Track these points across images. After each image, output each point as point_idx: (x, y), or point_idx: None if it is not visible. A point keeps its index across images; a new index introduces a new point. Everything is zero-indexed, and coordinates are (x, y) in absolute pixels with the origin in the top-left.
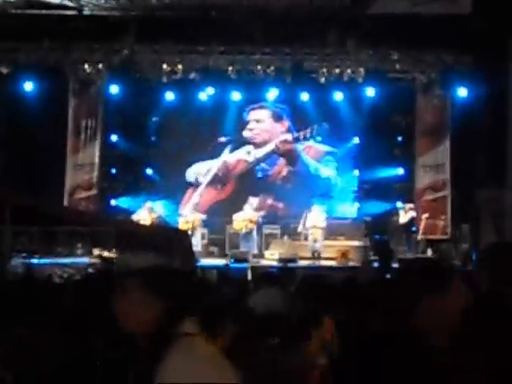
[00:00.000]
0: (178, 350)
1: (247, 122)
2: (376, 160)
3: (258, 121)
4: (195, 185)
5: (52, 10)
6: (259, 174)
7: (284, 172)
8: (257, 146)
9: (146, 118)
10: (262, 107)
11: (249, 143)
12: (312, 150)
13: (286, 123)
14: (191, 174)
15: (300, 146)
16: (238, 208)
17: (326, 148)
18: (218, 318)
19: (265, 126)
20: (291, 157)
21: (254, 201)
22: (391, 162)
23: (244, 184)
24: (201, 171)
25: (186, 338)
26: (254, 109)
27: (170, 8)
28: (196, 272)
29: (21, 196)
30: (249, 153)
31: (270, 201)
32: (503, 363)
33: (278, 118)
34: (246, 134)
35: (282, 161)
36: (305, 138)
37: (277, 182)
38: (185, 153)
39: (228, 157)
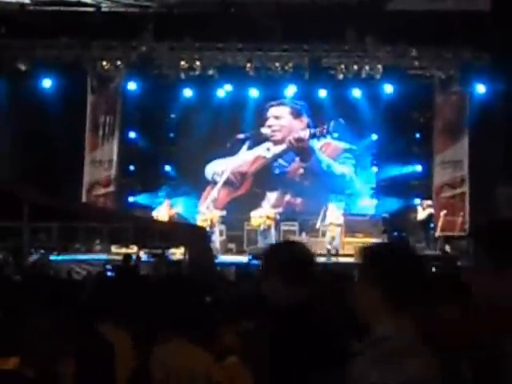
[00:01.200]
0: None
1: (266, 119)
2: (394, 157)
3: (277, 117)
4: (213, 182)
5: (70, 7)
6: (277, 171)
7: (301, 169)
8: (276, 142)
9: (164, 115)
10: (281, 104)
11: (267, 140)
12: (330, 147)
13: (305, 120)
14: (209, 171)
15: (317, 143)
16: (256, 204)
17: (344, 145)
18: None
19: (284, 122)
20: (304, 154)
21: (271, 197)
22: (409, 159)
23: (262, 180)
24: (218, 169)
25: None
26: (273, 105)
27: (188, 5)
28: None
29: (39, 193)
30: (268, 149)
31: (287, 197)
32: None
33: (297, 114)
34: (264, 130)
35: (298, 158)
36: (321, 135)
37: (295, 178)
38: (203, 150)
39: (246, 154)
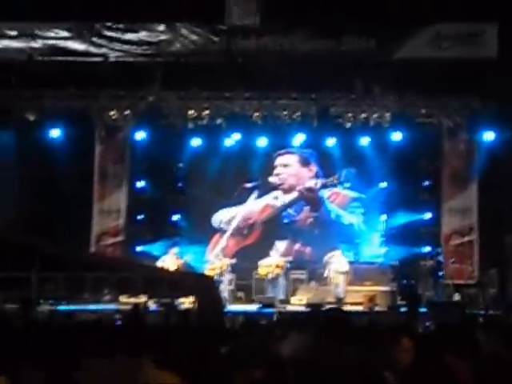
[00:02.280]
0: None
1: (274, 167)
2: (403, 204)
3: (285, 165)
4: (221, 230)
5: (78, 57)
6: (286, 220)
7: (310, 218)
8: (284, 191)
9: (172, 164)
10: (289, 152)
11: (275, 189)
12: (339, 197)
13: (314, 168)
14: (216, 220)
15: (325, 193)
16: (265, 253)
17: (352, 194)
18: None
19: (292, 170)
20: (314, 203)
21: (280, 246)
22: (418, 207)
23: (271, 230)
24: (225, 218)
25: None
26: (281, 154)
27: (196, 54)
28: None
29: (48, 243)
30: (276, 198)
31: (297, 246)
32: None
33: (305, 163)
34: (272, 179)
35: (308, 207)
36: (333, 185)
37: (304, 227)
38: (211, 199)
39: (255, 203)
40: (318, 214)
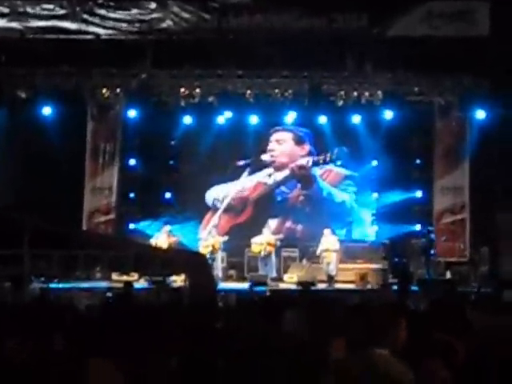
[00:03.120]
0: None
1: (268, 143)
2: (394, 183)
3: (278, 141)
4: (214, 208)
5: (70, 35)
6: (279, 198)
7: (302, 196)
8: (277, 168)
9: (164, 142)
10: (285, 129)
11: (268, 166)
12: (331, 175)
13: (307, 147)
14: (209, 197)
15: (318, 171)
16: (257, 231)
17: (345, 172)
18: None
19: (285, 148)
20: (306, 181)
21: (272, 223)
22: (410, 185)
23: (263, 207)
24: (218, 195)
25: None
26: (277, 130)
27: (188, 32)
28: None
29: (39, 221)
30: (269, 175)
31: (288, 223)
32: None
33: (299, 141)
34: (264, 157)
35: (299, 185)
36: (325, 162)
37: (296, 205)
38: (203, 176)
39: (247, 180)
40: (310, 192)
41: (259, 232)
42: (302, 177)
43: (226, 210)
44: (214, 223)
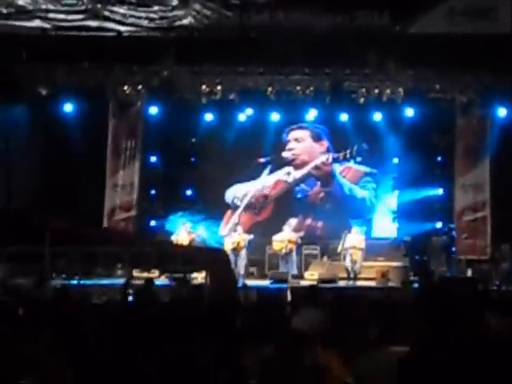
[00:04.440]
0: None
1: (287, 142)
2: (415, 180)
3: (297, 140)
4: (234, 206)
5: (91, 32)
6: (299, 195)
7: (322, 193)
8: (296, 166)
9: (185, 139)
10: (301, 127)
11: (288, 164)
12: (351, 172)
13: (325, 143)
14: (229, 195)
15: (337, 168)
16: (278, 229)
17: (365, 169)
18: None
19: (304, 145)
20: (326, 178)
21: (292, 221)
22: (431, 182)
23: (283, 205)
24: (238, 193)
25: None
26: (293, 129)
27: (209, 29)
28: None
29: (60, 219)
30: (289, 174)
31: (309, 221)
32: None
33: (317, 138)
34: (285, 154)
35: (319, 182)
36: (345, 159)
37: (316, 202)
38: (224, 174)
39: (267, 179)
40: (330, 189)
41: (279, 230)
42: (322, 174)
43: (246, 208)
44: (235, 221)
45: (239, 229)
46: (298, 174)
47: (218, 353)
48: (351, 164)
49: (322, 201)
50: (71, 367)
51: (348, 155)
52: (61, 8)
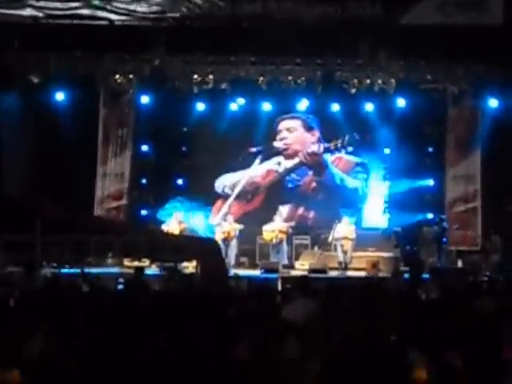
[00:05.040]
0: None
1: (278, 132)
2: (406, 171)
3: (289, 130)
4: (224, 195)
5: (83, 20)
6: (289, 185)
7: (313, 183)
8: (288, 156)
9: (176, 128)
10: (293, 117)
11: (279, 153)
12: (342, 162)
13: (317, 133)
14: (219, 184)
15: (329, 157)
16: (269, 218)
17: (356, 159)
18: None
19: (296, 135)
20: (318, 168)
21: (283, 210)
22: (422, 173)
23: (274, 194)
24: (229, 182)
25: None
26: (285, 119)
27: (201, 18)
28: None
29: (51, 206)
30: (279, 163)
31: (300, 211)
32: None
33: (308, 127)
34: (277, 144)
35: (311, 172)
36: (336, 149)
37: (307, 192)
38: (215, 163)
39: (258, 168)
40: (322, 178)
41: (270, 219)
42: (314, 163)
43: (237, 198)
44: (225, 210)
45: (230, 218)
46: (289, 163)
47: (209, 342)
48: (342, 154)
49: (313, 191)
50: (64, 356)
51: (339, 145)
52: None
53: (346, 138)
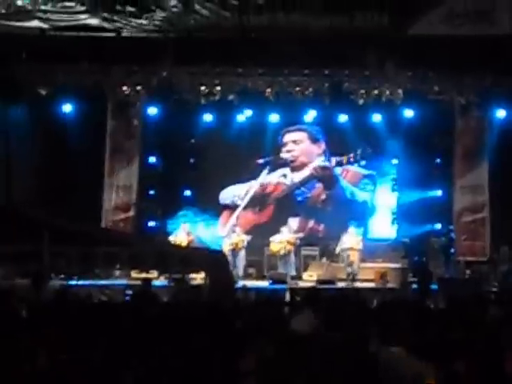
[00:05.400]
0: None
1: (284, 144)
2: (414, 182)
3: (295, 142)
4: (232, 207)
5: (90, 32)
6: (299, 198)
7: (323, 195)
8: (295, 168)
9: (184, 140)
10: (299, 129)
11: (287, 165)
12: (350, 174)
13: (322, 145)
14: (227, 196)
15: (338, 170)
16: (277, 230)
17: (363, 171)
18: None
19: (303, 147)
20: (328, 181)
21: (293, 223)
22: (430, 184)
23: (283, 206)
24: (238, 193)
25: None
26: (290, 131)
27: (208, 29)
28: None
29: (58, 218)
30: (285, 176)
31: (311, 223)
32: None
33: (314, 139)
34: (284, 155)
35: (320, 185)
36: (349, 162)
37: (316, 204)
38: (223, 175)
39: (267, 179)
40: (333, 192)
41: (278, 231)
42: (325, 177)
43: (245, 209)
44: (233, 222)
45: (238, 229)
46: (297, 175)
47: (217, 354)
48: (349, 166)
49: (322, 203)
50: (72, 366)
51: (352, 159)
52: (60, 8)
53: (359, 151)
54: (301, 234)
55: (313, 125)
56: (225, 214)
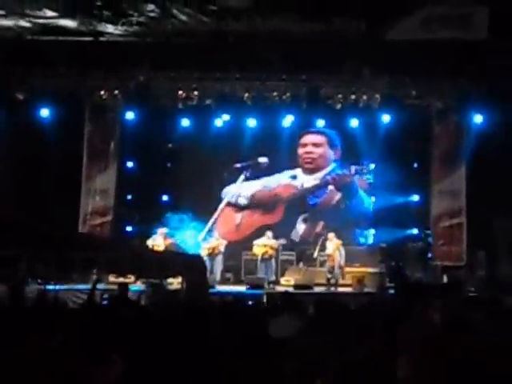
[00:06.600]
0: None
1: (302, 145)
2: (392, 186)
3: (315, 144)
4: (238, 206)
5: (68, 37)
6: (310, 202)
7: (333, 201)
8: (309, 170)
9: (161, 144)
10: (318, 132)
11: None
12: (361, 182)
13: (338, 151)
14: (232, 192)
15: (356, 179)
16: (288, 231)
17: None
18: None
19: (322, 150)
20: (348, 190)
21: (300, 227)
22: (407, 189)
23: (294, 210)
24: (245, 192)
25: None
26: (310, 132)
27: (186, 34)
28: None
29: (35, 223)
30: (295, 177)
31: (318, 228)
32: None
33: (332, 145)
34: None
35: (331, 190)
36: (363, 173)
37: (327, 210)
38: (200, 179)
39: (276, 180)
40: (353, 201)
41: (290, 232)
42: (343, 185)
43: (250, 209)
44: (237, 222)
45: (217, 234)
46: (308, 179)
47: (192, 359)
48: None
49: (335, 209)
50: (49, 370)
51: (365, 170)
52: (37, 12)
53: (370, 166)
54: (282, 240)
55: (294, 129)
56: (225, 210)
